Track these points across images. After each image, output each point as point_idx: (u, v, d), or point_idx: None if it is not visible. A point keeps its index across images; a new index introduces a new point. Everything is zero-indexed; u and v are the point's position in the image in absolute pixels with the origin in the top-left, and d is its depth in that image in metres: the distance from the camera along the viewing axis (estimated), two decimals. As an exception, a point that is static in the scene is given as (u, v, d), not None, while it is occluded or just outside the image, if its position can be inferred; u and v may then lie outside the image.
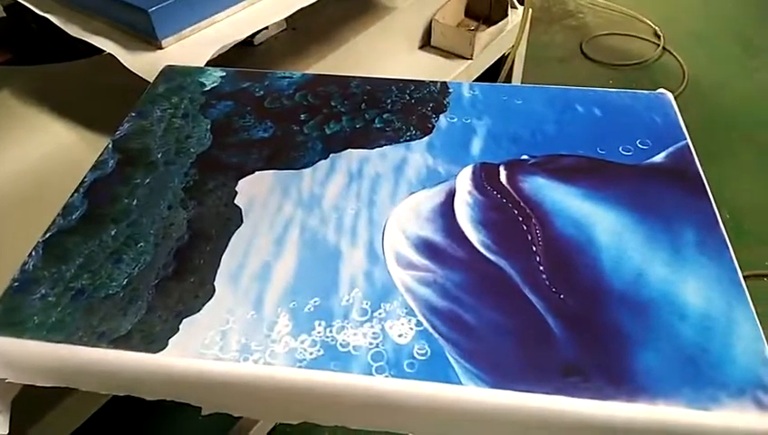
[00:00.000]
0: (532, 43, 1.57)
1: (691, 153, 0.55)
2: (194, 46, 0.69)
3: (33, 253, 0.47)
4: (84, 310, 0.43)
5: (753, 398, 0.38)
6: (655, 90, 0.64)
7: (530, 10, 1.21)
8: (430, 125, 0.58)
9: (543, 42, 2.31)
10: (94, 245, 0.47)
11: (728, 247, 0.47)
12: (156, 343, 0.41)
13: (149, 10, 0.66)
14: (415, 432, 0.41)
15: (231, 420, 1.04)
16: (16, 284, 0.45)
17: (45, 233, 0.48)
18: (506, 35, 1.21)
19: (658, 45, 2.22)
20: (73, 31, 0.71)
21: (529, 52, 1.46)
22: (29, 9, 0.77)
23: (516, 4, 1.25)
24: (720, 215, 0.49)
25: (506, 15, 1.17)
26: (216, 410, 0.43)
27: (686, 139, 0.57)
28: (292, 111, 0.60)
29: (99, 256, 0.46)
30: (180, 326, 0.42)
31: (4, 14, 0.92)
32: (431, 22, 1.14)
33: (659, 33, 2.29)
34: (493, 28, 1.13)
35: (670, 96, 0.62)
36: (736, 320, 0.42)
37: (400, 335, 0.41)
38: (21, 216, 0.52)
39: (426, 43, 1.16)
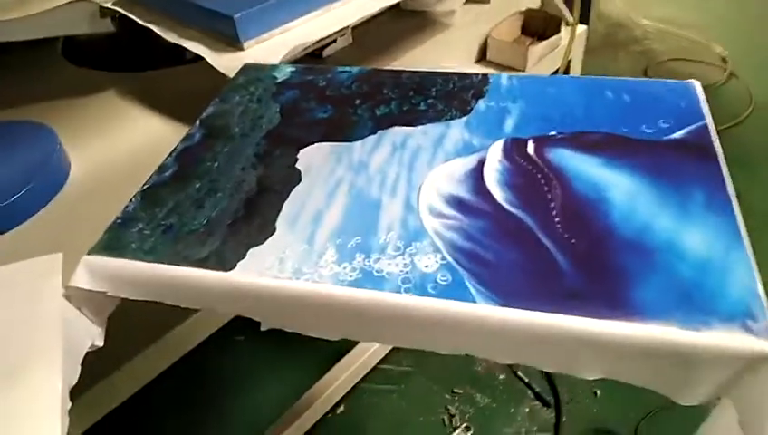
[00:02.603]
0: (595, 67, 1.62)
1: (708, 131, 0.60)
2: (270, 48, 0.80)
3: (133, 199, 0.58)
4: (172, 240, 0.53)
5: (742, 324, 0.42)
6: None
7: (583, 27, 1.27)
8: (469, 108, 0.66)
9: (608, 67, 2.34)
10: (181, 195, 0.58)
11: (732, 205, 0.51)
12: (226, 264, 0.50)
13: (234, 16, 0.77)
14: (434, 348, 0.48)
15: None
16: (119, 221, 0.55)
17: (143, 185, 0.59)
18: (561, 51, 1.28)
19: (725, 70, 2.20)
20: (171, 37, 0.85)
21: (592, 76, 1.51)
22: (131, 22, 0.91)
23: (569, 21, 1.31)
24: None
25: (559, 32, 1.23)
26: (272, 326, 0.51)
27: (706, 119, 0.61)
28: (348, 97, 0.69)
29: (185, 202, 0.57)
30: (247, 254, 0.51)
31: (113, 29, 1.08)
32: (487, 38, 1.23)
33: (726, 58, 2.27)
34: (545, 42, 1.20)
35: (697, 84, 0.67)
36: (733, 262, 0.46)
37: (427, 266, 0.48)
38: (124, 188, 0.62)
39: (482, 58, 1.24)
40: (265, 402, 1.23)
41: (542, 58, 1.23)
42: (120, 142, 0.86)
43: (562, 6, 1.30)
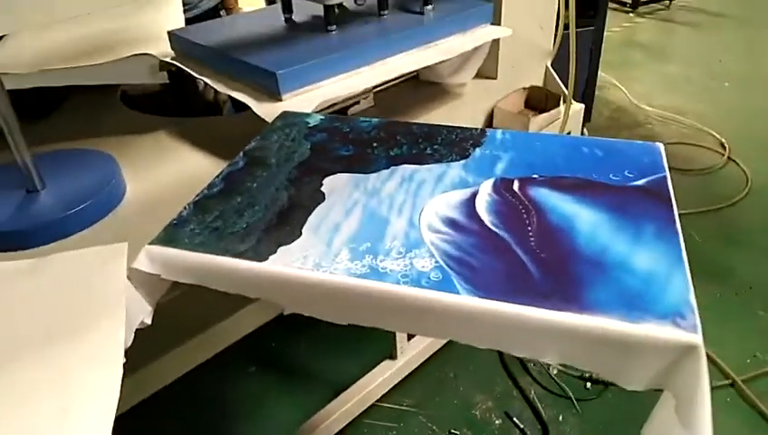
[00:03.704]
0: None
1: (666, 181, 0.71)
2: (304, 100, 0.95)
3: (186, 207, 0.70)
4: (217, 238, 0.65)
5: (673, 321, 0.52)
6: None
7: (580, 105, 1.42)
8: (467, 154, 0.79)
9: (611, 147, 2.49)
10: (226, 205, 0.70)
11: (679, 236, 0.62)
12: (260, 257, 0.61)
13: (277, 73, 0.93)
14: (425, 333, 0.58)
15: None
16: (175, 222, 0.68)
17: (195, 197, 0.72)
18: (559, 123, 1.42)
19: (723, 155, 2.34)
20: (221, 88, 1.00)
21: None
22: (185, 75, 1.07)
23: (567, 97, 1.46)
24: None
25: (558, 106, 1.38)
26: (293, 311, 0.62)
27: (665, 172, 0.73)
28: (367, 141, 0.83)
29: (229, 211, 0.69)
30: (277, 250, 0.62)
31: (168, 81, 1.25)
32: (494, 108, 1.38)
33: (725, 144, 2.42)
34: (545, 114, 1.34)
35: (661, 145, 0.79)
36: (673, 279, 0.57)
37: (423, 267, 0.59)
38: (169, 207, 0.73)
39: (488, 126, 1.39)
40: (272, 430, 1.30)
41: (543, 129, 1.37)
42: (167, 172, 1.00)
43: (562, 86, 1.46)
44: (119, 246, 0.65)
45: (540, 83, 1.51)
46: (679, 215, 0.65)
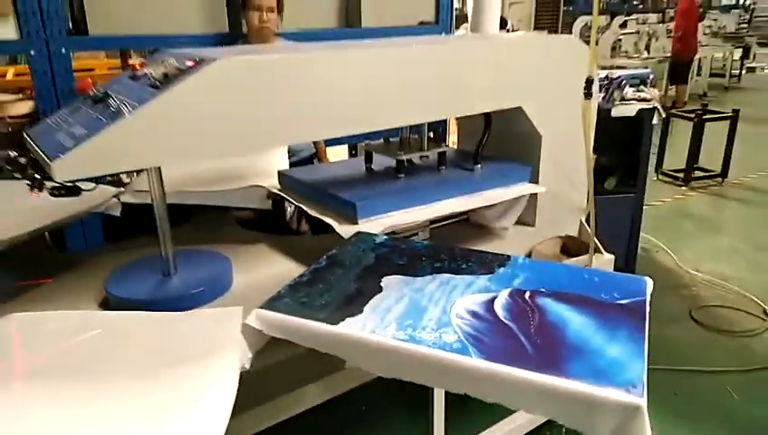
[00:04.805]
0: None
1: (645, 303, 0.93)
2: (375, 225, 1.24)
3: (284, 288, 0.98)
4: (304, 308, 0.91)
5: (626, 389, 0.72)
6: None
7: (609, 256, 1.65)
8: (493, 270, 1.04)
9: (655, 304, 2.63)
10: (312, 289, 0.97)
11: (644, 339, 0.83)
12: (333, 322, 0.86)
13: (357, 204, 1.24)
14: (446, 387, 0.79)
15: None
16: (276, 296, 0.95)
17: (289, 283, 1.00)
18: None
19: (765, 320, 2.43)
20: (312, 212, 1.32)
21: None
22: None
23: (603, 250, 1.69)
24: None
25: (587, 252, 1.61)
26: (352, 364, 0.85)
27: (645, 297, 0.95)
28: (418, 256, 1.10)
29: (313, 293, 0.96)
30: (345, 319, 0.87)
31: (270, 207, 1.59)
32: (531, 250, 1.63)
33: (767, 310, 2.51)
34: (574, 259, 1.58)
35: (649, 280, 1.01)
36: (632, 364, 0.77)
37: (448, 339, 0.83)
38: (268, 296, 1.02)
39: (526, 265, 1.63)
40: None
41: (574, 271, 1.59)
42: (263, 272, 1.29)
43: (593, 237, 1.70)
44: (236, 308, 0.92)
45: (575, 234, 1.76)
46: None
